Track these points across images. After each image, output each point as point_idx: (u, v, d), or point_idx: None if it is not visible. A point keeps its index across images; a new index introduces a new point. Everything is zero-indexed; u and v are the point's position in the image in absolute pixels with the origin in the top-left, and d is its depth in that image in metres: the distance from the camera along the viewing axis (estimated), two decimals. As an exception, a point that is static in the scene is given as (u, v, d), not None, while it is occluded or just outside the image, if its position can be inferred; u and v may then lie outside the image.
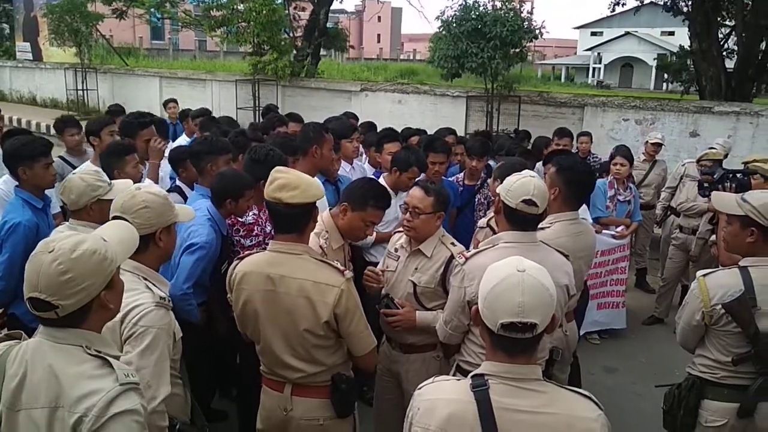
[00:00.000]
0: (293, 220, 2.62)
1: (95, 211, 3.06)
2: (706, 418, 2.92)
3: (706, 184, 4.77)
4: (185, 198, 4.17)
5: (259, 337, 2.69)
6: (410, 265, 3.21)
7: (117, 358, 1.84)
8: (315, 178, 2.75)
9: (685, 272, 6.32)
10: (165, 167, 4.95)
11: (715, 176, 4.46)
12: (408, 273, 3.20)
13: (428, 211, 3.14)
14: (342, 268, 2.62)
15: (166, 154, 6.12)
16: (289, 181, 2.58)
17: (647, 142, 7.25)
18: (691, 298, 2.96)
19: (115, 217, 2.48)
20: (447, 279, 3.06)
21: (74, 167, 4.89)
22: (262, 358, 2.74)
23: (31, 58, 23.85)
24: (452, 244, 3.22)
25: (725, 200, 2.96)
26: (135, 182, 3.95)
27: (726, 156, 6.33)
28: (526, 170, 2.92)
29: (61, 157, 5.33)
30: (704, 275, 2.91)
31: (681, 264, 6.29)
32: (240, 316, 2.73)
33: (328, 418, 2.67)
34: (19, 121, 17.88)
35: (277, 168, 2.71)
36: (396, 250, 3.34)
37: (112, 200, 2.95)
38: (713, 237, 5.80)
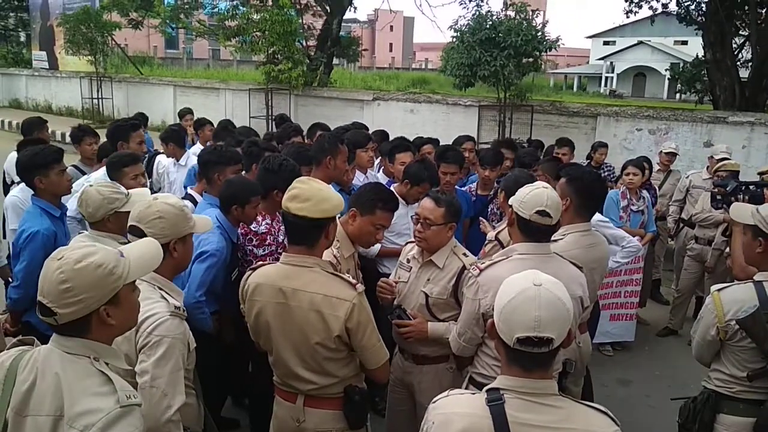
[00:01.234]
0: (302, 232, 2.59)
1: (113, 223, 3.08)
2: None
3: (719, 197, 4.75)
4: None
5: (271, 348, 2.69)
6: (422, 276, 3.20)
7: (131, 372, 1.85)
8: (335, 192, 2.70)
9: (700, 284, 6.27)
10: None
11: (728, 188, 4.43)
12: (420, 284, 3.19)
13: (439, 222, 3.12)
14: (354, 281, 2.59)
15: (183, 162, 6.22)
16: (301, 193, 2.57)
17: (661, 152, 7.24)
18: (705, 312, 2.94)
19: (131, 226, 2.50)
20: (459, 290, 3.05)
21: (84, 174, 4.97)
22: (274, 369, 2.74)
23: (47, 67, 24.13)
24: (464, 254, 3.21)
25: (741, 210, 2.96)
26: (59, 191, 3.84)
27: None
28: (539, 182, 2.92)
29: (74, 166, 5.37)
30: (719, 290, 2.89)
31: (696, 275, 6.24)
32: (253, 327, 2.73)
33: (341, 429, 2.65)
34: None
35: (301, 178, 2.70)
36: (408, 261, 3.33)
37: (128, 212, 3.00)
38: (728, 249, 5.77)
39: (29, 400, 1.75)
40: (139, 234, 2.47)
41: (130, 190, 3.23)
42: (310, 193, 2.56)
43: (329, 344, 2.54)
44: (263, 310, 2.62)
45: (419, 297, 3.18)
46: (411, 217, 3.82)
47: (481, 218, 4.78)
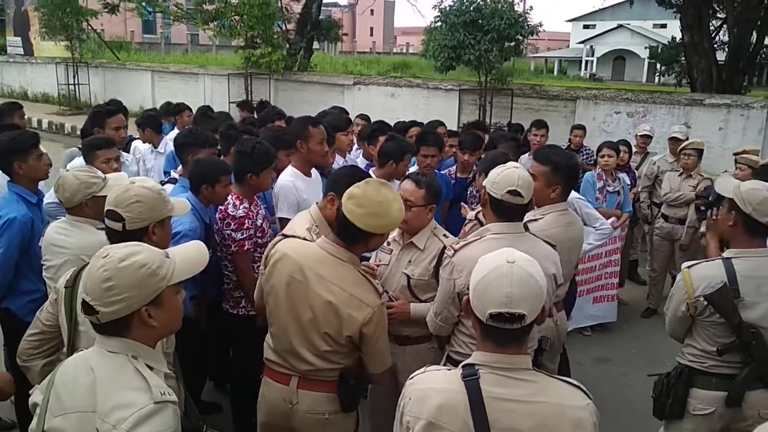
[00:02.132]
0: (346, 230, 2.53)
1: (90, 208, 3.05)
2: (694, 407, 2.97)
3: (702, 207, 4.83)
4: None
5: (275, 320, 2.66)
6: (403, 258, 3.23)
7: (168, 376, 1.85)
8: (395, 210, 2.53)
9: (671, 262, 6.41)
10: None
11: (710, 198, 4.52)
12: (401, 266, 3.22)
13: (420, 203, 3.15)
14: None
15: (161, 149, 6.18)
16: (360, 196, 2.46)
17: (637, 134, 7.35)
18: (676, 289, 3.01)
19: (108, 211, 2.49)
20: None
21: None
22: (273, 341, 2.70)
23: (22, 53, 23.70)
24: (444, 236, 3.25)
25: (726, 183, 3.00)
26: (37, 176, 3.81)
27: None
28: (510, 162, 2.95)
29: (79, 148, 5.38)
30: (689, 267, 2.95)
31: (667, 253, 6.41)
32: (266, 293, 2.69)
33: (334, 412, 2.64)
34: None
35: (371, 180, 2.60)
36: (388, 243, 3.35)
37: (106, 196, 2.99)
38: (703, 228, 5.87)
39: (63, 399, 1.74)
40: (117, 218, 2.46)
41: (107, 175, 3.21)
42: (367, 202, 2.46)
43: (339, 339, 2.53)
44: (280, 282, 2.59)
45: (401, 279, 3.21)
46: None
47: (462, 203, 4.82)
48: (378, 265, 3.31)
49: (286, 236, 2.74)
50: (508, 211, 2.77)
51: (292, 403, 2.63)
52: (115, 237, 2.46)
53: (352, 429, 2.76)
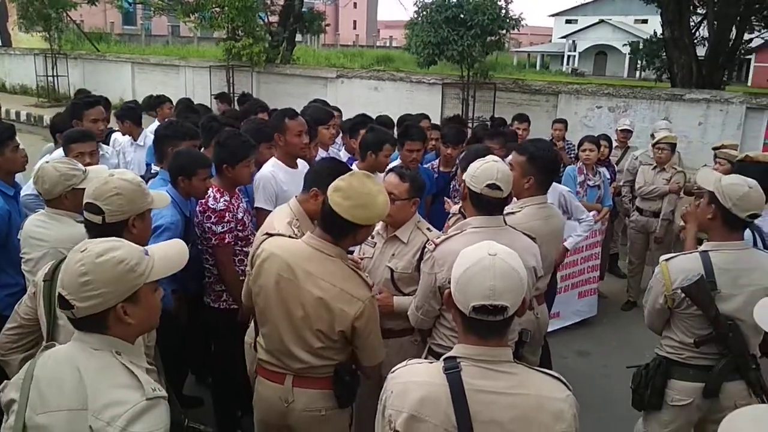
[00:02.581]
0: (332, 224, 2.52)
1: (70, 200, 3.01)
2: (672, 397, 3.00)
3: None
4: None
5: (267, 320, 2.64)
6: (387, 252, 3.23)
7: (150, 370, 1.82)
8: (380, 201, 2.54)
9: (649, 254, 6.51)
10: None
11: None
12: (385, 259, 3.22)
13: (403, 197, 3.16)
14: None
15: (141, 141, 6.12)
16: (346, 188, 2.47)
17: (617, 129, 7.41)
18: (654, 282, 3.04)
19: (87, 204, 2.46)
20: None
21: None
22: (265, 341, 2.68)
23: (0, 44, 23.31)
24: (428, 229, 3.26)
25: (707, 176, 3.03)
26: (13, 169, 3.76)
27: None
28: (490, 155, 2.96)
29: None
30: (667, 260, 2.99)
31: (643, 245, 6.54)
32: (255, 294, 2.67)
33: (330, 408, 2.63)
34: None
35: (356, 173, 2.61)
36: (372, 236, 3.35)
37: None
38: (680, 221, 5.93)
39: (47, 397, 1.71)
40: (96, 211, 2.43)
41: (88, 168, 3.17)
42: (354, 194, 2.46)
43: (331, 335, 2.52)
44: (269, 282, 2.57)
45: (384, 272, 3.21)
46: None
47: (445, 198, 4.83)
48: (362, 258, 3.31)
49: (270, 235, 2.72)
50: (488, 204, 2.78)
51: (288, 402, 2.62)
52: (94, 230, 2.43)
53: (347, 424, 2.76)
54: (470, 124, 10.12)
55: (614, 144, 7.24)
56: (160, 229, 3.38)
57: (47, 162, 3.17)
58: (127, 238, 2.39)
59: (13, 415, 1.75)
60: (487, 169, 2.75)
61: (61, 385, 1.70)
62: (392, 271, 3.20)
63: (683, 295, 2.86)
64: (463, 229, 2.83)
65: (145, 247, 1.89)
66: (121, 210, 2.43)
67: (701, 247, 2.96)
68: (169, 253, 1.98)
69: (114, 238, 1.85)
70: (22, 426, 1.71)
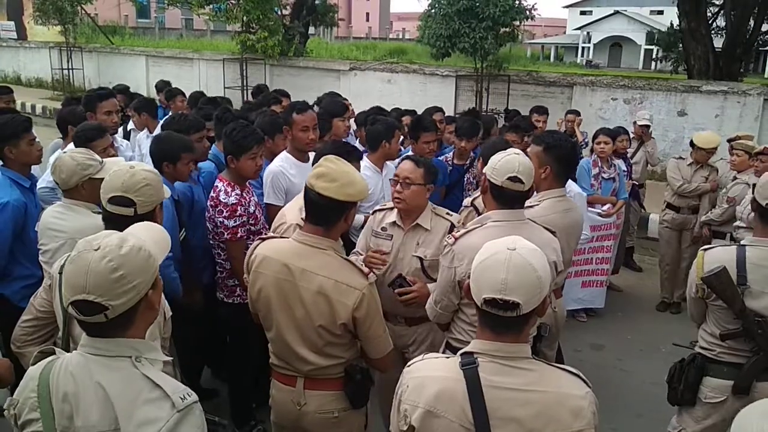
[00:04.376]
0: (322, 212, 2.51)
1: (87, 190, 3.03)
2: (705, 395, 2.97)
3: None
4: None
5: (271, 325, 2.63)
6: (410, 242, 3.23)
7: (166, 363, 1.78)
8: (361, 176, 2.60)
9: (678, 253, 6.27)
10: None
11: None
12: (410, 249, 3.23)
13: (418, 182, 3.18)
14: (366, 270, 2.56)
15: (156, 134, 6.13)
16: (329, 172, 2.47)
17: (635, 123, 7.28)
18: (691, 270, 3.04)
19: (115, 197, 2.46)
20: None
21: None
22: (272, 346, 2.68)
23: (16, 37, 23.49)
24: (448, 214, 3.31)
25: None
26: (29, 161, 3.78)
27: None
28: (511, 148, 2.92)
29: (62, 139, 5.36)
30: (705, 250, 2.98)
31: (677, 244, 6.23)
32: (254, 299, 2.67)
33: (343, 410, 2.61)
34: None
35: (330, 157, 2.60)
36: (384, 229, 3.34)
37: (102, 179, 2.96)
38: (702, 218, 5.85)
39: (74, 418, 1.64)
40: (127, 203, 2.45)
41: (105, 159, 3.19)
42: (338, 174, 2.47)
43: (333, 330, 2.50)
44: (267, 285, 2.56)
45: (412, 262, 3.22)
46: (390, 179, 3.81)
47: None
48: (384, 253, 3.29)
49: (263, 240, 2.72)
50: (509, 198, 2.75)
51: (301, 405, 2.60)
52: (122, 223, 2.42)
53: (363, 424, 2.74)
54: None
55: (631, 136, 7.14)
56: None
57: (64, 152, 3.19)
58: None
59: None
60: (509, 162, 2.71)
61: (86, 407, 1.63)
62: (421, 259, 3.21)
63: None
64: (484, 223, 2.79)
65: (126, 233, 1.83)
66: (151, 200, 2.48)
67: (743, 241, 2.95)
68: (157, 238, 1.98)
69: (110, 230, 1.82)
70: None
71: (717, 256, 2.90)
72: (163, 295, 2.38)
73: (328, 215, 2.51)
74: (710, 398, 2.95)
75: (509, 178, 2.68)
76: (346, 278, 2.48)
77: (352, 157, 3.26)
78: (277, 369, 2.69)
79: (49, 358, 1.75)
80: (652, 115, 7.74)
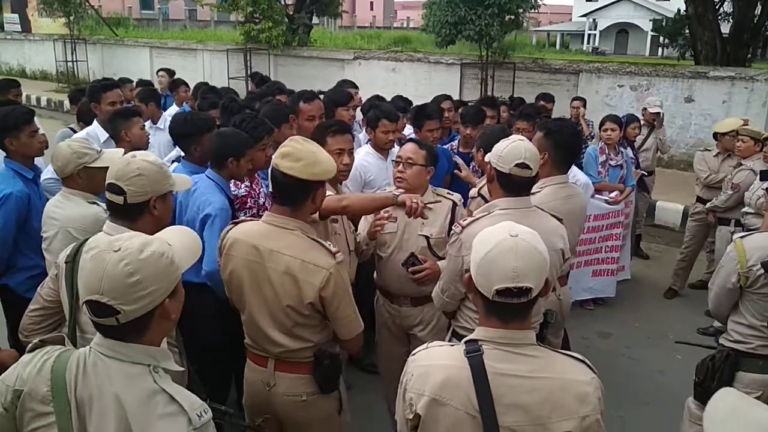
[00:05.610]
0: (288, 193, 2.52)
1: (83, 179, 3.05)
2: (740, 390, 2.93)
3: None
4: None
5: (243, 307, 2.64)
6: (414, 222, 3.25)
7: (171, 351, 1.76)
8: (329, 156, 2.60)
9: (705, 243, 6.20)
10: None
11: None
12: (415, 229, 3.29)
13: (421, 162, 3.27)
14: (334, 250, 2.52)
15: (161, 125, 6.12)
16: (294, 152, 2.47)
17: (646, 109, 7.16)
18: (726, 260, 2.97)
19: (109, 184, 2.46)
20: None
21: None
22: (246, 329, 2.69)
23: (20, 30, 23.51)
24: (449, 193, 3.42)
25: None
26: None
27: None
28: (513, 135, 2.90)
29: (70, 128, 5.42)
30: (741, 237, 2.93)
31: (702, 236, 6.13)
32: (227, 282, 2.67)
33: (311, 393, 2.60)
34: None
35: (295, 137, 2.61)
36: (387, 212, 3.35)
37: (100, 168, 2.94)
38: (708, 204, 5.79)
39: (88, 423, 1.61)
40: (118, 191, 2.43)
41: (104, 150, 3.19)
42: (303, 154, 2.47)
43: (301, 310, 2.50)
44: (237, 267, 2.57)
45: (418, 241, 3.30)
46: (392, 161, 3.79)
47: (459, 162, 4.78)
48: (387, 233, 3.33)
49: (236, 223, 2.71)
50: (517, 185, 2.72)
51: (270, 386, 2.61)
52: (116, 211, 2.44)
53: (335, 411, 2.71)
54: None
55: (641, 122, 7.03)
56: (211, 217, 3.25)
57: (64, 141, 3.22)
58: (148, 220, 2.42)
59: (48, 430, 1.63)
60: (515, 148, 2.69)
61: (103, 415, 1.59)
62: (428, 238, 3.29)
63: (759, 272, 2.79)
64: (491, 211, 2.77)
65: (153, 236, 1.79)
66: (143, 191, 2.42)
67: None
68: (188, 243, 1.93)
69: (136, 232, 1.79)
70: None
71: (759, 242, 2.86)
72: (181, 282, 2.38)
73: (294, 195, 2.51)
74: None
75: (517, 165, 2.66)
76: (313, 258, 2.46)
77: (347, 131, 3.32)
78: (251, 349, 2.70)
79: (58, 350, 1.71)
80: (663, 102, 7.66)
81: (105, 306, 1.56)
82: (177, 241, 1.84)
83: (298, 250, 2.48)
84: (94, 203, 3.05)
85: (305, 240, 2.52)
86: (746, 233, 2.97)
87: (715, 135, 6.04)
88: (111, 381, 1.60)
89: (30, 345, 1.76)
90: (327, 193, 2.98)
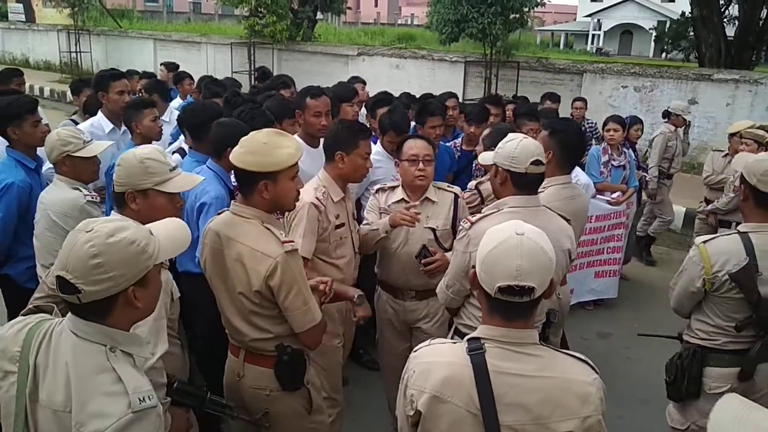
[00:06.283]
0: (239, 182, 2.56)
1: (68, 167, 3.16)
2: (709, 386, 2.93)
3: None
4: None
5: (215, 295, 2.66)
6: (421, 215, 3.30)
7: (173, 343, 1.77)
8: (279, 151, 2.50)
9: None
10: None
11: None
12: (421, 223, 3.32)
13: (433, 158, 3.41)
14: (285, 239, 2.49)
15: (166, 117, 6.11)
16: (245, 141, 2.49)
17: (671, 114, 6.95)
18: (690, 264, 2.94)
19: None
20: (457, 218, 3.33)
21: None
22: (221, 316, 2.71)
23: (24, 20, 23.49)
24: (449, 186, 3.51)
25: (741, 158, 3.02)
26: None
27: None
28: (515, 134, 2.88)
29: (71, 120, 5.44)
30: (704, 242, 2.89)
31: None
32: (203, 270, 2.69)
33: (275, 389, 2.59)
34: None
35: (267, 129, 2.62)
36: (389, 206, 3.44)
37: (84, 158, 3.11)
38: (708, 207, 5.81)
39: (39, 388, 1.65)
40: None
41: (97, 141, 3.30)
42: (249, 144, 2.47)
43: (251, 297, 2.49)
44: (207, 255, 2.60)
45: (424, 234, 3.36)
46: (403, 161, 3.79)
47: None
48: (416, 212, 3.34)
49: (218, 214, 2.71)
50: (532, 182, 2.73)
51: (240, 376, 2.62)
52: (115, 198, 2.48)
53: (301, 410, 2.67)
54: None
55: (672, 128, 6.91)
56: (206, 206, 3.29)
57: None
58: (126, 214, 2.34)
59: (10, 387, 1.68)
60: (526, 147, 2.68)
61: (53, 381, 1.63)
62: (434, 230, 3.37)
63: (725, 278, 2.78)
64: (500, 209, 2.75)
65: (147, 226, 1.82)
66: (119, 182, 2.41)
67: (740, 228, 2.87)
68: (171, 233, 1.92)
69: (120, 217, 1.81)
70: (24, 409, 1.65)
71: (721, 247, 2.84)
72: (171, 276, 2.38)
73: (241, 184, 2.56)
74: (714, 389, 2.91)
75: (533, 162, 2.66)
76: (261, 246, 2.46)
77: (361, 134, 3.29)
78: (229, 338, 2.71)
79: (39, 317, 1.77)
80: (688, 105, 7.57)
81: (68, 283, 1.61)
82: (162, 231, 1.85)
83: (250, 238, 2.49)
84: (77, 189, 3.13)
85: (258, 228, 2.51)
86: (709, 237, 2.93)
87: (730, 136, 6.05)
88: (66, 351, 1.65)
89: (25, 309, 1.82)
90: (315, 188, 3.13)
